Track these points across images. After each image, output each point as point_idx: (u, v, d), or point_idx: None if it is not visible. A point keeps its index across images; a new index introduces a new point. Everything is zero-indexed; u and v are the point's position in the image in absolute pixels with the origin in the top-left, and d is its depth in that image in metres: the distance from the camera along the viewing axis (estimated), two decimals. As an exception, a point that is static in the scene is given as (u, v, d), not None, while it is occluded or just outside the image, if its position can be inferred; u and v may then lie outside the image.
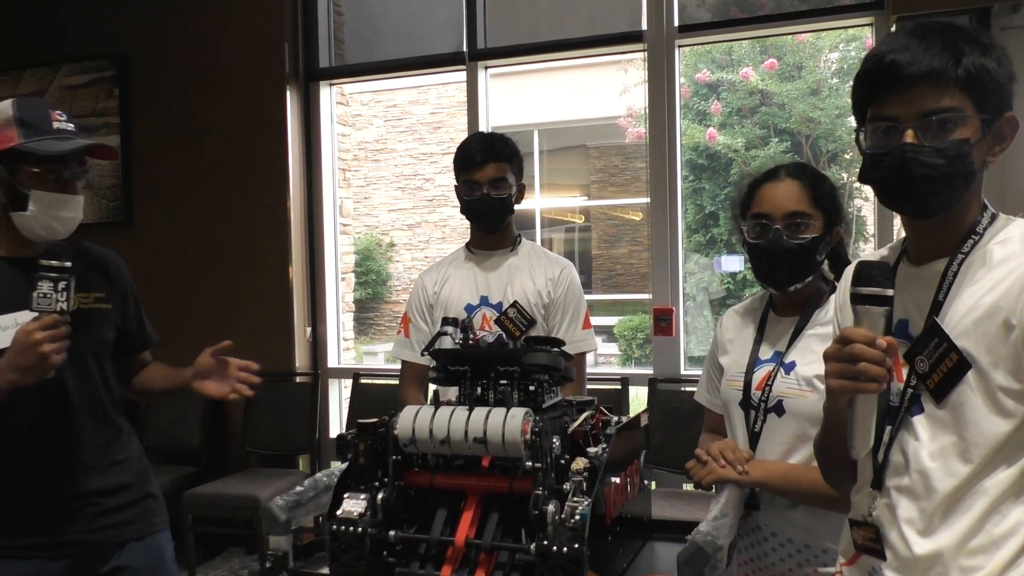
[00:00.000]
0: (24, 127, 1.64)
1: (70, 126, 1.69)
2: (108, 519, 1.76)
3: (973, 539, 1.10)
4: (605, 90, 9.31)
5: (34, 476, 1.70)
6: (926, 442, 1.14)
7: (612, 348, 10.25)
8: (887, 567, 1.17)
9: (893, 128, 1.14)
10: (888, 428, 1.18)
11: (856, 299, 1.13)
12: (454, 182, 2.31)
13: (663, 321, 3.71)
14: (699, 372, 1.87)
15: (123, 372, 1.93)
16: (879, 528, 1.18)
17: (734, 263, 8.35)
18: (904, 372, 1.18)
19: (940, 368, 1.13)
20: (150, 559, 1.83)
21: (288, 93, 4.25)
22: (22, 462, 1.68)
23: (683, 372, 3.72)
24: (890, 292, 1.12)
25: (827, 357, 1.14)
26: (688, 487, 3.55)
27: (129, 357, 1.93)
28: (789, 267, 1.60)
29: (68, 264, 1.56)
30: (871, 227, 6.90)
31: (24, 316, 1.58)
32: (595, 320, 2.48)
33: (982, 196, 1.20)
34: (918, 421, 1.16)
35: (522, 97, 10.00)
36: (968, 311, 1.12)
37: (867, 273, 1.12)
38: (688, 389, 3.55)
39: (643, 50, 3.78)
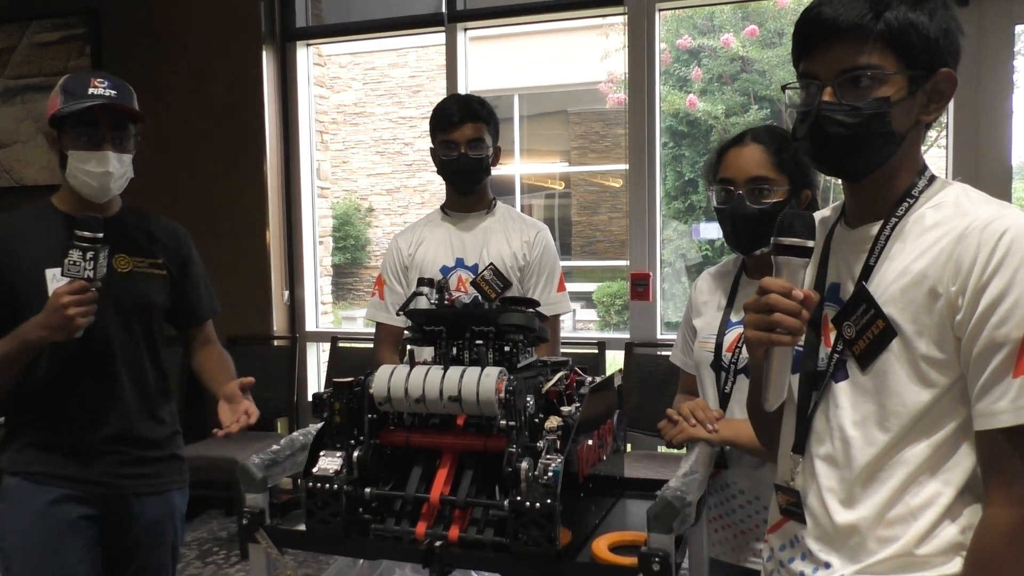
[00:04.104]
0: (66, 95, 1.78)
1: (111, 92, 1.79)
2: (131, 468, 1.88)
3: (892, 510, 1.09)
4: (586, 55, 9.25)
5: (69, 414, 1.83)
6: (848, 410, 1.13)
7: (591, 314, 10.31)
8: (808, 535, 1.17)
9: (816, 86, 1.11)
10: (813, 394, 1.18)
11: (776, 249, 1.10)
12: (431, 145, 2.30)
13: (640, 286, 3.74)
14: (675, 337, 1.90)
15: (188, 344, 2.08)
16: (800, 494, 1.18)
17: (712, 230, 8.39)
18: (832, 337, 1.16)
19: (866, 335, 1.11)
20: (160, 514, 1.94)
21: (264, 53, 4.19)
22: (60, 400, 1.82)
23: (659, 337, 3.76)
24: (810, 244, 1.09)
25: (746, 308, 1.14)
26: (663, 449, 3.61)
27: (191, 328, 2.07)
28: (752, 232, 1.62)
29: (100, 235, 1.65)
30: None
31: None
32: (574, 286, 2.50)
33: (920, 158, 1.17)
34: (842, 388, 1.14)
35: (502, 61, 9.91)
36: (896, 277, 1.10)
37: (789, 224, 1.09)
38: (664, 353, 3.59)
39: (623, 14, 3.75)
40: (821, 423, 1.17)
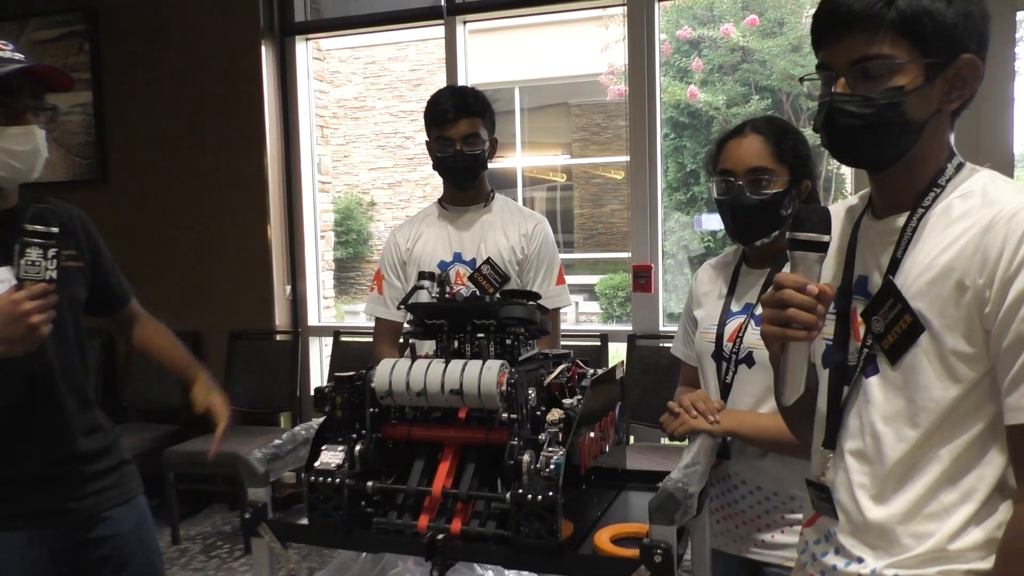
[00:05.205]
0: None
1: (17, 56, 1.54)
2: (92, 485, 1.72)
3: (926, 506, 1.08)
4: (586, 46, 9.21)
5: (18, 442, 1.63)
6: (879, 405, 1.11)
7: (593, 306, 10.31)
8: (840, 530, 1.16)
9: (831, 76, 1.10)
10: (844, 388, 1.16)
11: (792, 244, 1.09)
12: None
13: (642, 278, 3.74)
14: (677, 328, 1.90)
15: (118, 327, 1.91)
16: (830, 489, 1.17)
17: (714, 221, 8.33)
18: (862, 331, 1.15)
19: (895, 329, 1.09)
20: (134, 523, 1.80)
21: (263, 48, 4.18)
22: (6, 429, 1.62)
23: (661, 328, 3.76)
24: (826, 239, 1.08)
25: (762, 302, 1.13)
26: (665, 441, 3.61)
27: (117, 312, 1.89)
28: (752, 222, 1.62)
29: (55, 229, 1.46)
30: (849, 186, 6.93)
31: (2, 273, 1.54)
32: (577, 279, 2.49)
33: (948, 145, 1.14)
34: (873, 383, 1.13)
35: (502, 54, 9.88)
36: (923, 270, 1.08)
37: (804, 218, 1.08)
38: (666, 345, 3.59)
39: (623, 4, 3.74)
40: (852, 419, 1.15)
